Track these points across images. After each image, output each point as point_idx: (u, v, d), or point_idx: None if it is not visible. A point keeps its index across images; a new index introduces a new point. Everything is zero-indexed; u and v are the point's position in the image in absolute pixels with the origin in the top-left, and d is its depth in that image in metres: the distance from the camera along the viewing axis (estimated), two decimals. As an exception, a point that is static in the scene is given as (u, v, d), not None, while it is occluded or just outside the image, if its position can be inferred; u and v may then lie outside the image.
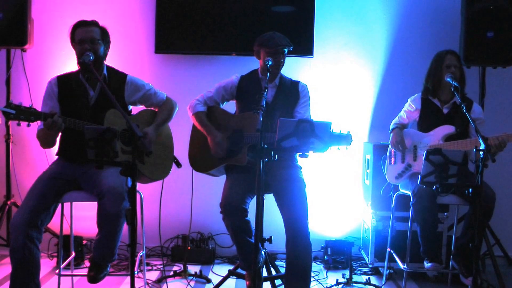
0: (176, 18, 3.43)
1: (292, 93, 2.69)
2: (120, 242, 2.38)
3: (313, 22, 3.42)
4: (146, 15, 3.50)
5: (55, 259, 3.27)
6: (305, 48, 3.39)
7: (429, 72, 2.92)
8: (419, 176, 2.37)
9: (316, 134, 2.06)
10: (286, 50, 2.59)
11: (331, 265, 3.27)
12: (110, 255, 2.36)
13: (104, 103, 2.43)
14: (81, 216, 3.33)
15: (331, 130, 2.48)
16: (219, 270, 3.21)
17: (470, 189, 2.17)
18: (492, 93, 3.46)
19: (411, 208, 2.69)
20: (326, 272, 3.21)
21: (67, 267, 2.77)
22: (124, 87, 2.55)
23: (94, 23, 2.48)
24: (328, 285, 2.94)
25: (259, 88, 2.22)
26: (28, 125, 2.24)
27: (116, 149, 1.98)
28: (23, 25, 3.19)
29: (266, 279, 2.67)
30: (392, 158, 2.94)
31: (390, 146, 2.97)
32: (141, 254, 2.68)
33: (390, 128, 3.00)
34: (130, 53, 3.52)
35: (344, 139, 2.50)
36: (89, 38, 2.41)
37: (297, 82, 2.73)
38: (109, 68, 2.58)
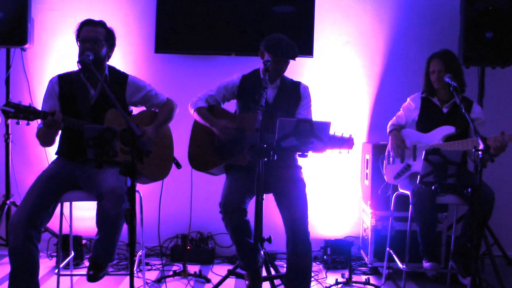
0: (176, 18, 3.43)
1: (294, 94, 2.69)
2: (119, 241, 2.38)
3: (313, 22, 3.42)
4: (146, 15, 3.50)
5: (54, 259, 3.27)
6: (305, 48, 3.39)
7: (424, 74, 2.93)
8: (418, 176, 2.38)
9: (316, 134, 2.07)
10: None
11: (331, 265, 3.27)
12: (109, 255, 2.36)
13: (105, 102, 2.43)
14: (80, 216, 3.34)
15: (333, 133, 2.49)
16: (219, 270, 3.21)
17: (469, 189, 2.17)
18: (491, 93, 3.46)
19: (410, 207, 2.70)
20: (326, 272, 3.21)
21: (67, 266, 2.77)
22: (125, 87, 2.56)
23: (101, 24, 2.48)
24: (328, 285, 2.94)
25: (260, 88, 2.22)
26: (28, 124, 2.24)
27: (116, 149, 1.98)
28: (23, 24, 3.19)
29: (265, 279, 2.67)
30: (391, 158, 2.94)
31: (389, 147, 2.97)
32: (140, 253, 2.68)
33: (388, 130, 3.00)
34: (130, 53, 3.52)
35: (346, 142, 2.52)
36: (92, 38, 2.42)
37: (298, 83, 2.73)
38: (111, 68, 2.58)
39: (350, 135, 2.54)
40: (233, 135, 2.56)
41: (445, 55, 2.83)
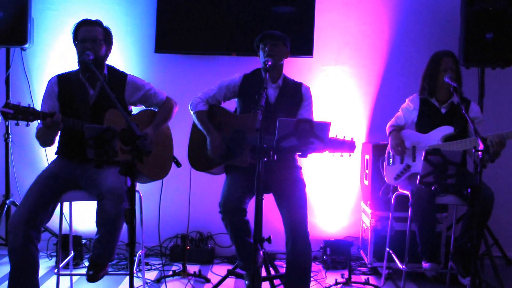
0: (176, 18, 3.43)
1: (295, 94, 2.69)
2: (119, 241, 2.38)
3: (313, 22, 3.42)
4: (146, 15, 3.50)
5: (54, 259, 3.27)
6: (305, 48, 3.39)
7: (426, 73, 2.92)
8: (418, 176, 2.38)
9: (316, 134, 2.07)
10: (285, 49, 2.59)
11: (330, 265, 3.27)
12: (109, 255, 2.36)
13: (104, 102, 2.43)
14: (80, 216, 3.34)
15: (335, 136, 2.49)
16: (218, 270, 3.21)
17: (469, 189, 2.17)
18: (491, 94, 3.46)
19: (409, 208, 2.70)
20: (325, 272, 3.21)
21: (66, 266, 2.77)
22: (124, 87, 2.56)
23: (98, 23, 2.49)
24: (327, 285, 2.94)
25: (261, 87, 2.22)
26: (27, 125, 2.24)
27: (116, 148, 1.98)
28: (23, 24, 3.18)
29: (265, 279, 2.67)
30: (391, 159, 2.95)
31: (389, 148, 2.97)
32: (140, 253, 2.68)
33: (388, 132, 3.00)
34: (130, 53, 3.52)
35: (348, 145, 2.51)
36: (91, 37, 2.42)
37: (300, 84, 2.73)
38: (110, 68, 2.58)
39: (352, 139, 2.54)
40: (220, 158, 2.56)
41: (454, 56, 2.87)
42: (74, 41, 2.47)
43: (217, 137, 2.59)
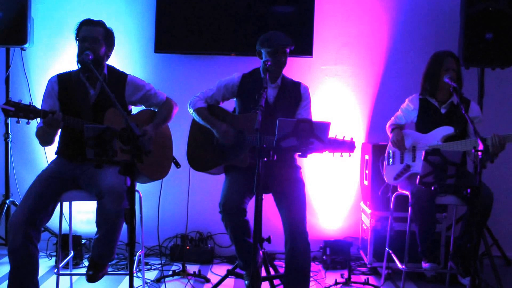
0: (176, 18, 3.43)
1: (294, 94, 2.68)
2: (119, 241, 2.38)
3: (313, 22, 3.42)
4: (146, 15, 3.50)
5: (54, 258, 3.27)
6: (304, 48, 3.39)
7: (427, 73, 2.92)
8: (418, 177, 2.38)
9: (315, 134, 2.07)
10: (287, 50, 2.59)
11: (330, 265, 3.27)
12: (109, 255, 2.36)
13: (104, 102, 2.44)
14: (80, 215, 3.34)
15: (334, 136, 2.49)
16: (218, 270, 3.21)
17: (468, 190, 2.18)
18: (490, 94, 3.47)
19: (409, 208, 2.70)
20: (325, 272, 3.21)
21: (66, 266, 2.77)
22: (124, 87, 2.56)
23: (100, 23, 2.49)
24: (327, 285, 2.94)
25: (261, 87, 2.22)
26: (28, 123, 2.24)
27: (115, 148, 1.98)
28: (23, 24, 3.18)
29: (264, 278, 2.67)
30: (391, 159, 2.95)
31: (389, 146, 2.97)
32: (139, 253, 2.68)
33: (390, 130, 3.00)
34: (130, 52, 3.52)
35: (348, 146, 2.52)
36: (91, 37, 2.42)
37: (298, 83, 2.73)
38: (110, 68, 2.58)
39: (352, 139, 2.54)
40: (234, 140, 2.55)
41: (456, 56, 2.88)
42: (76, 39, 2.48)
43: (222, 124, 2.58)
